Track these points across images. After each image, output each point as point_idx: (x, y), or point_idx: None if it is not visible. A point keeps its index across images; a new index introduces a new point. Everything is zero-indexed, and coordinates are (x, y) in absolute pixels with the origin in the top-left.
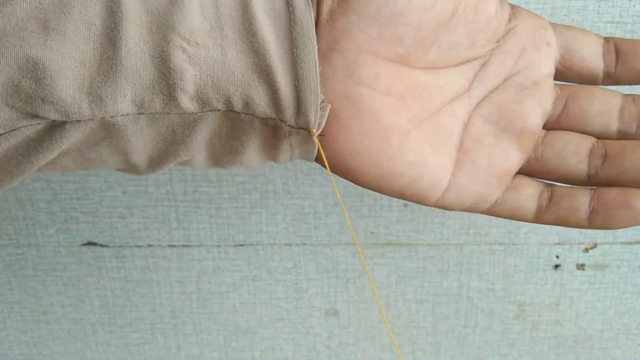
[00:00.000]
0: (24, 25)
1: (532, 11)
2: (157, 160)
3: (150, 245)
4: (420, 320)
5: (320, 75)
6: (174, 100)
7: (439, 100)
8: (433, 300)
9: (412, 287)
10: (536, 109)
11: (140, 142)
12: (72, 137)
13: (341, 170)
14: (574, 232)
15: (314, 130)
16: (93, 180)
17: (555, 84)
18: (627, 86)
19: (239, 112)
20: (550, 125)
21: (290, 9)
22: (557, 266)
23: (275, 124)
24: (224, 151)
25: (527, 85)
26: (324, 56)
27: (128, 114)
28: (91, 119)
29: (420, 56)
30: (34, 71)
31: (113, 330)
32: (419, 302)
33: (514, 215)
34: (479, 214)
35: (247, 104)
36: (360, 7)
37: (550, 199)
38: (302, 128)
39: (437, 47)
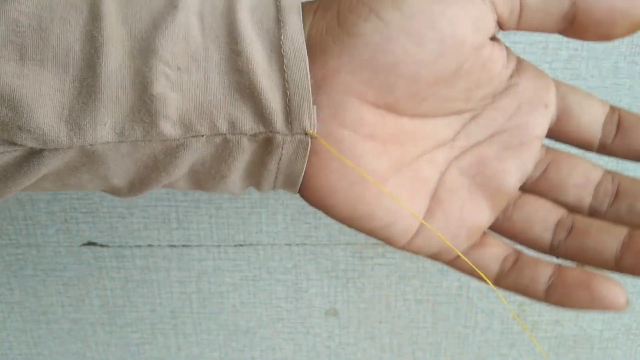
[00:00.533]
0: (0, 52)
1: None
2: (139, 186)
3: (150, 245)
4: (420, 320)
5: None
6: (155, 127)
7: (422, 148)
8: (433, 300)
9: (412, 287)
10: (516, 170)
11: (121, 169)
12: (50, 164)
13: (317, 205)
14: None
15: (312, 131)
16: None
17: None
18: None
19: (224, 134)
20: (527, 187)
21: (282, 24)
22: None
23: (265, 137)
24: (208, 177)
25: (513, 144)
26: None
27: (108, 142)
28: (70, 147)
29: (410, 107)
30: (10, 100)
31: (113, 330)
32: (419, 302)
33: (474, 273)
34: None
35: (232, 124)
36: (356, 48)
37: (514, 264)
38: (298, 133)
39: (430, 100)
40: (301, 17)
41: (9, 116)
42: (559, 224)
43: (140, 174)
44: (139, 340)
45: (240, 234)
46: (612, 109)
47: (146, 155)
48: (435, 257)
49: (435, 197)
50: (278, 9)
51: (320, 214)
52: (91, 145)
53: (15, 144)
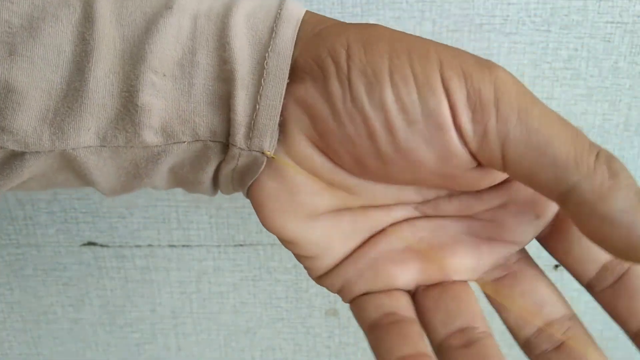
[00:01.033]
0: None
1: (533, 12)
2: (119, 189)
3: (150, 245)
4: None
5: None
6: (138, 136)
7: (380, 202)
8: None
9: None
10: (466, 258)
11: (102, 171)
12: (32, 167)
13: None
14: None
15: (269, 152)
16: None
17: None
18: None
19: (204, 141)
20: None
21: (274, 34)
22: (556, 266)
23: (226, 145)
24: (187, 180)
25: (480, 235)
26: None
27: (90, 146)
28: (51, 150)
29: (373, 174)
30: None
31: (113, 330)
32: None
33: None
34: None
35: (214, 132)
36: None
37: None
38: (254, 150)
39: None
40: (296, 30)
41: None
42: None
43: (121, 177)
44: (139, 340)
45: (240, 234)
46: (619, 265)
47: (128, 160)
48: (336, 292)
49: (368, 244)
50: (276, 17)
51: None
52: (73, 149)
53: None
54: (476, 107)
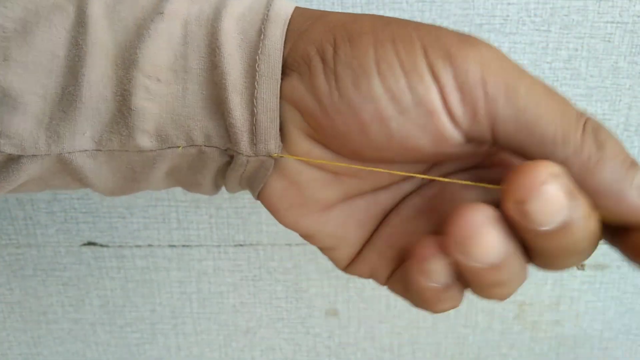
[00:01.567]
0: None
1: (533, 12)
2: (117, 191)
3: (150, 245)
4: (420, 320)
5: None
6: (132, 140)
7: (385, 182)
8: None
9: None
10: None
11: (99, 175)
12: (29, 170)
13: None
14: None
15: (277, 154)
16: None
17: None
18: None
19: (200, 146)
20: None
21: (262, 36)
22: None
23: (232, 153)
24: (186, 182)
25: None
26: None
27: (85, 150)
28: (48, 154)
29: (369, 155)
30: None
31: (113, 330)
32: None
33: (405, 295)
34: None
35: (208, 137)
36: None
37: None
38: (262, 155)
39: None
40: (285, 30)
41: None
42: None
43: (117, 180)
44: (139, 340)
45: (240, 234)
46: None
47: (124, 164)
48: (369, 278)
49: (383, 225)
50: (264, 19)
51: None
52: (69, 153)
53: None
54: (464, 89)
